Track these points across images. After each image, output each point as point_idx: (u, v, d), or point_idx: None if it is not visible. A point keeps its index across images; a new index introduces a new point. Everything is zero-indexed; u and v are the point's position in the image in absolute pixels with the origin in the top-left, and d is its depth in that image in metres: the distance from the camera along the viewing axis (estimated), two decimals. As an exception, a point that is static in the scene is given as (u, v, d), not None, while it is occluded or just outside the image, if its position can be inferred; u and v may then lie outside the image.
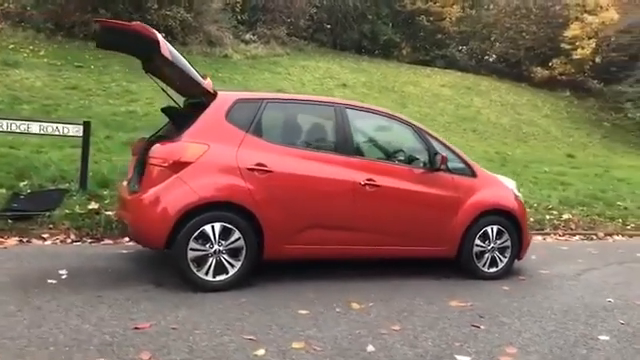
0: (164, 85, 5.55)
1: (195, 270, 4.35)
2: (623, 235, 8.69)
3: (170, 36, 19.33)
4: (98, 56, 16.03)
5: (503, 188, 5.57)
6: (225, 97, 4.67)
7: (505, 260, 5.45)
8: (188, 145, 4.38)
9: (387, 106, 10.75)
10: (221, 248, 4.39)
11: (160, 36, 4.33)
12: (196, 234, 4.32)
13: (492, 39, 24.47)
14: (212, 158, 4.41)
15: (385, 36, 24.04)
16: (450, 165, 5.27)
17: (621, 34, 22.89)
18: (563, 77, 23.36)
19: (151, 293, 4.27)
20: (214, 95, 4.62)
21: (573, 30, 23.02)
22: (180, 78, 4.65)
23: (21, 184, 6.50)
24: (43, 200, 6.14)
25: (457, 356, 3.50)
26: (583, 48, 22.80)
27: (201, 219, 4.33)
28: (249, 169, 4.48)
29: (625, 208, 9.68)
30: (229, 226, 4.40)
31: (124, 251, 5.54)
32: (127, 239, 5.93)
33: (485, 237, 5.34)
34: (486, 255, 5.36)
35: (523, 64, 23.94)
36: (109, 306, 3.92)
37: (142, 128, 11.74)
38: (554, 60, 23.43)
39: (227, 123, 4.56)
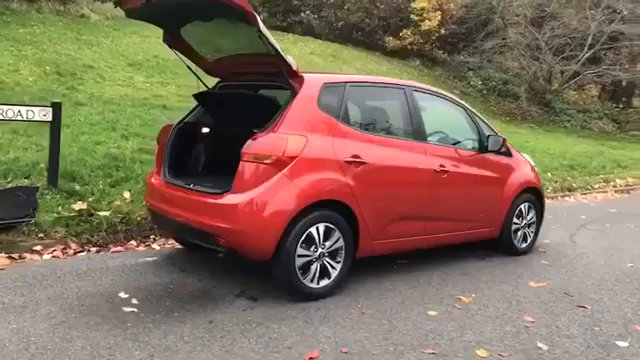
0: (190, 63, 4.76)
1: (302, 278, 3.84)
2: (547, 198, 9.58)
3: (14, -10, 16.58)
4: None
5: (528, 165, 5.76)
6: (313, 80, 4.09)
7: (532, 235, 5.69)
8: (289, 138, 3.78)
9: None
10: (324, 251, 3.94)
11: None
12: (303, 238, 3.80)
13: (346, 7, 24.92)
14: (313, 151, 3.87)
15: None
16: (493, 145, 5.28)
17: (461, 8, 24.95)
18: (413, 47, 24.74)
19: (258, 311, 3.68)
20: (300, 77, 4.03)
21: (421, 2, 24.45)
22: (266, 56, 3.96)
23: (-31, 184, 5.12)
24: (12, 203, 4.90)
25: (617, 342, 3.59)
26: (430, 20, 24.34)
27: (308, 221, 3.81)
28: (346, 162, 4.03)
29: (535, 173, 10.66)
30: (331, 226, 3.95)
31: (149, 259, 4.69)
32: (135, 244, 5.06)
33: (520, 214, 5.51)
34: (519, 232, 5.55)
35: (377, 33, 24.83)
36: (240, 333, 3.31)
37: (28, 102, 9.99)
38: (404, 30, 24.67)
39: (319, 110, 4.02)
